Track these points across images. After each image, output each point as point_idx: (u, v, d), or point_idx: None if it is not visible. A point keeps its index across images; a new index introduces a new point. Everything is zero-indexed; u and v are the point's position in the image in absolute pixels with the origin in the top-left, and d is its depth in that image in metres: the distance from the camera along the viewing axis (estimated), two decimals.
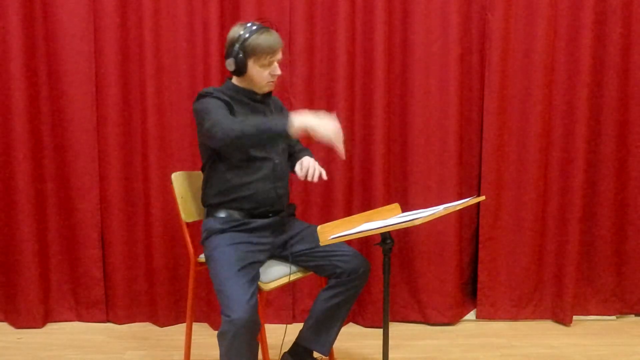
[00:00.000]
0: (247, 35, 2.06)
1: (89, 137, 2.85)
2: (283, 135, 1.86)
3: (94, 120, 2.84)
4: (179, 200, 2.29)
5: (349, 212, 2.87)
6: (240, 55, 2.06)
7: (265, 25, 2.11)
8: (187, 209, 2.32)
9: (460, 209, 2.38)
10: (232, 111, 2.09)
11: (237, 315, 1.86)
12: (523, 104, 2.88)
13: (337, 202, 2.86)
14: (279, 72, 2.14)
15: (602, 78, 2.90)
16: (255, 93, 2.18)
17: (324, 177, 2.09)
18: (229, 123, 1.92)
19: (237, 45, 2.06)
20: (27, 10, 2.75)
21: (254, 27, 2.07)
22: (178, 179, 2.31)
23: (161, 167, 2.83)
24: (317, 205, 2.90)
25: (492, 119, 2.87)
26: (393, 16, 2.83)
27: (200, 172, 2.39)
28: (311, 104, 2.84)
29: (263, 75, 2.10)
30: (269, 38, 2.07)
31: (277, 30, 2.13)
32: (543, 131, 2.89)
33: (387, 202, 2.84)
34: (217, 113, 1.99)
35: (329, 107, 2.83)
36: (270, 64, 2.09)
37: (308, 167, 2.08)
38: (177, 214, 2.32)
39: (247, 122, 1.91)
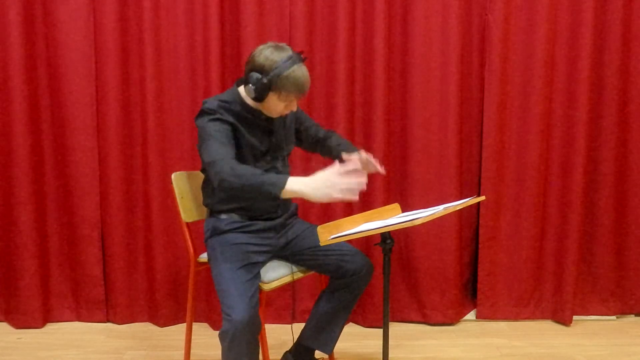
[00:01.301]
0: (279, 71, 1.91)
1: (89, 137, 2.85)
2: (273, 198, 1.81)
3: (94, 120, 2.85)
4: (179, 200, 2.29)
5: (349, 212, 2.87)
6: (266, 89, 1.94)
7: (298, 53, 1.98)
8: (187, 209, 2.32)
9: (460, 209, 2.38)
10: (236, 131, 2.02)
11: (238, 314, 1.86)
12: (523, 104, 2.88)
13: (337, 202, 2.86)
14: (294, 108, 2.05)
15: (602, 78, 2.90)
16: (261, 113, 2.09)
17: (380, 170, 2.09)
18: (227, 171, 1.83)
19: (265, 78, 1.93)
20: (27, 10, 2.75)
21: (288, 60, 1.92)
22: (178, 179, 2.31)
23: (161, 167, 2.83)
24: (317, 205, 2.90)
25: (492, 119, 2.87)
26: (393, 16, 2.83)
27: (200, 172, 2.40)
28: (311, 104, 2.84)
29: (278, 108, 2.02)
30: (302, 79, 1.93)
31: (287, 43, 2.05)
32: (543, 131, 2.89)
33: (387, 202, 2.84)
34: (217, 147, 1.89)
35: (328, 108, 2.84)
36: (291, 102, 2.00)
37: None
38: (177, 214, 2.32)
39: (243, 178, 1.82)
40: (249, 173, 1.82)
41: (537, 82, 2.85)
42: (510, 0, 2.81)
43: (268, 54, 1.94)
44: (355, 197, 1.74)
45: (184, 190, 2.33)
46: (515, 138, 2.91)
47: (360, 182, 1.74)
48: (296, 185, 1.77)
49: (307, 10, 2.79)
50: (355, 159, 2.06)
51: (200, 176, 2.37)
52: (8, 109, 2.78)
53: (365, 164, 2.10)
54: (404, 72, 2.87)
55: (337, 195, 1.73)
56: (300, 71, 1.93)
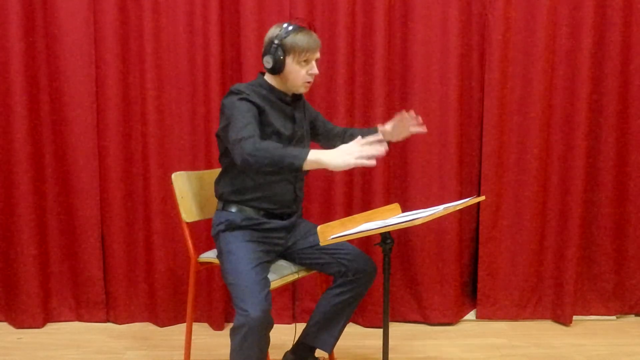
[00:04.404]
0: (285, 33, 2.04)
1: (89, 137, 2.85)
2: (295, 169, 1.85)
3: (94, 120, 2.85)
4: (179, 200, 2.29)
5: (349, 212, 2.87)
6: (279, 52, 2.03)
7: (302, 25, 2.10)
8: (187, 209, 2.32)
9: (460, 209, 2.38)
10: (262, 114, 2.05)
11: (255, 311, 1.88)
12: (523, 104, 2.88)
13: (337, 202, 2.86)
14: (316, 70, 2.11)
15: (602, 78, 2.90)
16: (286, 95, 2.14)
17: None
18: (250, 148, 1.87)
19: (275, 42, 2.04)
20: (27, 10, 2.75)
21: (292, 27, 2.06)
22: (178, 179, 2.31)
23: (161, 167, 2.83)
24: (317, 205, 2.91)
25: (492, 118, 2.87)
26: (393, 16, 2.83)
27: (200, 171, 2.41)
28: (312, 104, 2.84)
29: (300, 74, 2.08)
30: (308, 36, 2.06)
31: (315, 31, 2.12)
32: (543, 131, 2.89)
33: (387, 202, 2.84)
34: (243, 125, 1.94)
35: (328, 107, 2.84)
36: (308, 61, 2.07)
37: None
38: (177, 214, 2.32)
39: (266, 152, 1.87)
40: (272, 147, 1.88)
41: (537, 82, 2.85)
42: (510, 0, 2.81)
43: (274, 28, 2.09)
44: (372, 163, 1.79)
45: (184, 190, 2.33)
46: (515, 138, 2.91)
47: (378, 148, 1.80)
48: (315, 155, 1.83)
49: (307, 9, 2.79)
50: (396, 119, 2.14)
51: (201, 176, 2.37)
52: (8, 109, 2.78)
53: (403, 122, 2.19)
54: (403, 71, 2.87)
55: (354, 161, 1.78)
56: (305, 31, 2.07)
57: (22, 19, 2.73)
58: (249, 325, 1.88)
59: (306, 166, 1.83)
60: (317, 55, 2.10)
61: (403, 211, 2.09)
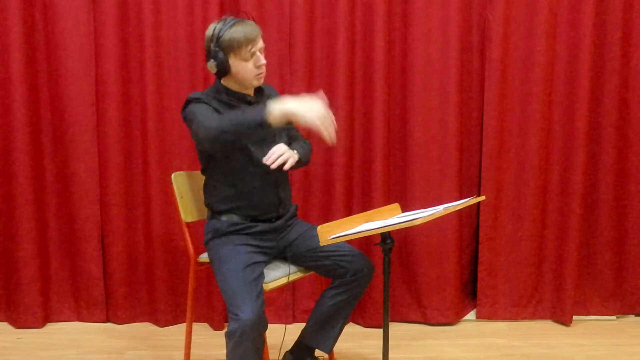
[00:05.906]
0: (220, 31, 1.97)
1: (89, 137, 2.85)
2: (262, 124, 1.78)
3: (94, 120, 2.84)
4: (179, 200, 2.30)
5: (349, 212, 2.87)
6: (219, 54, 1.97)
7: (239, 17, 2.03)
8: (187, 209, 2.32)
9: (460, 209, 2.38)
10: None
11: (246, 314, 1.87)
12: (523, 104, 2.88)
13: (337, 202, 2.86)
14: (263, 61, 2.03)
15: (603, 77, 2.89)
16: (246, 95, 2.11)
17: (285, 167, 1.98)
18: (208, 123, 1.87)
19: (212, 44, 1.98)
20: (27, 10, 2.75)
21: (225, 22, 1.99)
22: (178, 179, 2.32)
23: (161, 167, 2.83)
24: (317, 205, 2.90)
25: (492, 118, 2.87)
26: (393, 16, 2.83)
27: (200, 173, 2.40)
28: None
29: (248, 68, 2.01)
30: (244, 28, 1.97)
31: (254, 20, 2.04)
32: (543, 130, 2.88)
33: (387, 202, 2.83)
34: (200, 115, 1.93)
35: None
36: (252, 55, 1.99)
37: (272, 153, 1.96)
38: (177, 214, 2.32)
39: (224, 118, 1.88)
40: (231, 114, 1.90)
41: (537, 81, 2.85)
42: (510, 0, 2.81)
43: (210, 26, 2.02)
44: (328, 132, 1.77)
45: (184, 190, 2.33)
46: (515, 138, 2.90)
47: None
48: (282, 106, 1.76)
49: (307, 9, 2.79)
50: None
51: (201, 176, 2.37)
52: (8, 109, 2.78)
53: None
54: (403, 71, 2.87)
55: (322, 117, 1.75)
56: (240, 23, 1.98)
57: (22, 19, 2.72)
58: (241, 328, 1.87)
59: (273, 119, 1.76)
60: (260, 45, 2.00)
61: (403, 211, 2.09)
